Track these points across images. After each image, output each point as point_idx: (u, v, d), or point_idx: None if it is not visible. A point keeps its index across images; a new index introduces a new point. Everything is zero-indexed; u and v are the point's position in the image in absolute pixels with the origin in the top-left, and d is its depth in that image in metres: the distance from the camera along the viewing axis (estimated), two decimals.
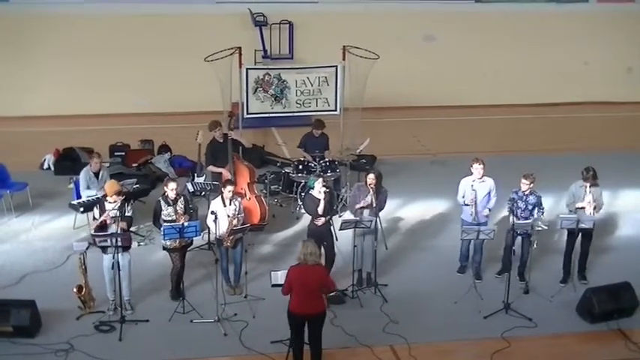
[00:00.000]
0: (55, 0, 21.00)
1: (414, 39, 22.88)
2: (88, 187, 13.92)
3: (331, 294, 11.93)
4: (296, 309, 10.02)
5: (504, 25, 23.23)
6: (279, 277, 10.48)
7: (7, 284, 12.29)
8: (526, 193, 12.32)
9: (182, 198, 11.82)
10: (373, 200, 11.99)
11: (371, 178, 12.08)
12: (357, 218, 12.04)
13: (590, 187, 12.43)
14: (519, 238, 12.39)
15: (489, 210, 12.66)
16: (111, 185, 11.72)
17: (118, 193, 11.50)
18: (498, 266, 12.94)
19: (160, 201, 11.75)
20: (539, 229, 12.41)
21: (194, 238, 11.99)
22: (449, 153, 18.91)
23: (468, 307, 11.94)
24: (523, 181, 12.31)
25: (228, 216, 11.82)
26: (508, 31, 23.23)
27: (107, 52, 21.15)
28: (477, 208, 12.43)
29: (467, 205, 12.50)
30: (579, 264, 12.83)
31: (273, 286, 10.55)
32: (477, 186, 12.45)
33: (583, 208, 12.45)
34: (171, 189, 11.65)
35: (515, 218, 12.13)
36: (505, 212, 12.79)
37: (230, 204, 11.91)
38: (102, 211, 11.40)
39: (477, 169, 12.49)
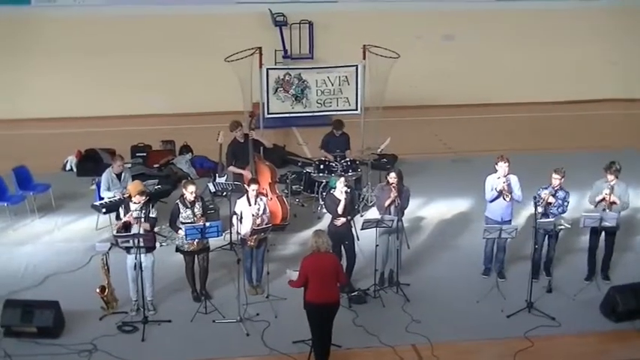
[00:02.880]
0: (74, 3, 21.17)
1: (433, 38, 22.81)
2: (109, 189, 13.97)
3: (353, 294, 11.95)
4: (313, 298, 10.04)
5: (524, 23, 23.11)
6: (294, 276, 10.53)
7: (30, 285, 12.37)
8: (556, 188, 12.21)
9: (200, 200, 11.83)
10: (397, 199, 11.97)
11: (392, 177, 12.04)
12: (379, 217, 12.01)
13: (612, 181, 12.24)
14: (546, 235, 12.27)
15: (520, 197, 12.52)
16: (135, 185, 11.81)
17: (142, 193, 11.52)
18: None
19: (178, 204, 11.75)
20: (562, 227, 12.27)
21: (217, 239, 12.00)
22: (471, 151, 18.83)
23: (490, 307, 11.87)
24: (554, 175, 12.18)
25: (253, 215, 11.83)
26: (528, 28, 23.10)
27: (128, 53, 21.29)
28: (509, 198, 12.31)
29: (501, 191, 12.23)
30: (603, 263, 12.72)
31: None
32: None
33: (603, 199, 12.23)
34: (190, 192, 11.62)
35: (540, 215, 11.96)
36: (531, 210, 12.59)
37: (255, 203, 11.92)
38: (127, 211, 11.45)
39: (502, 167, 12.32)
